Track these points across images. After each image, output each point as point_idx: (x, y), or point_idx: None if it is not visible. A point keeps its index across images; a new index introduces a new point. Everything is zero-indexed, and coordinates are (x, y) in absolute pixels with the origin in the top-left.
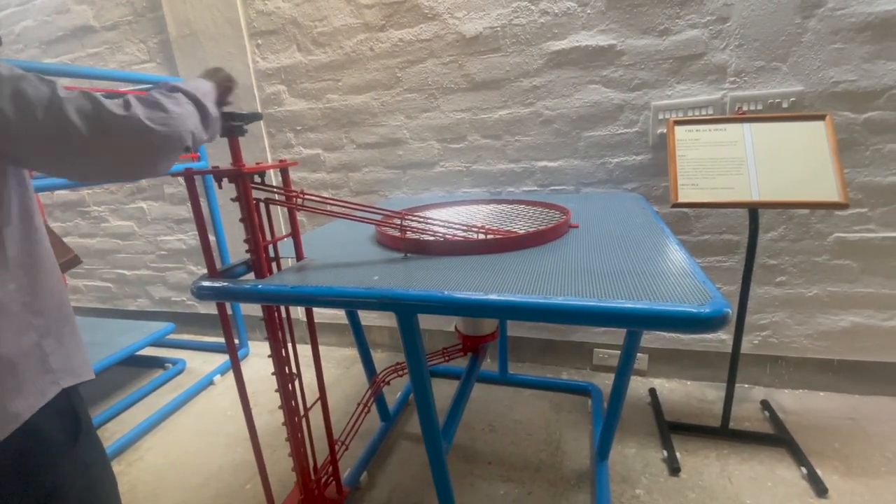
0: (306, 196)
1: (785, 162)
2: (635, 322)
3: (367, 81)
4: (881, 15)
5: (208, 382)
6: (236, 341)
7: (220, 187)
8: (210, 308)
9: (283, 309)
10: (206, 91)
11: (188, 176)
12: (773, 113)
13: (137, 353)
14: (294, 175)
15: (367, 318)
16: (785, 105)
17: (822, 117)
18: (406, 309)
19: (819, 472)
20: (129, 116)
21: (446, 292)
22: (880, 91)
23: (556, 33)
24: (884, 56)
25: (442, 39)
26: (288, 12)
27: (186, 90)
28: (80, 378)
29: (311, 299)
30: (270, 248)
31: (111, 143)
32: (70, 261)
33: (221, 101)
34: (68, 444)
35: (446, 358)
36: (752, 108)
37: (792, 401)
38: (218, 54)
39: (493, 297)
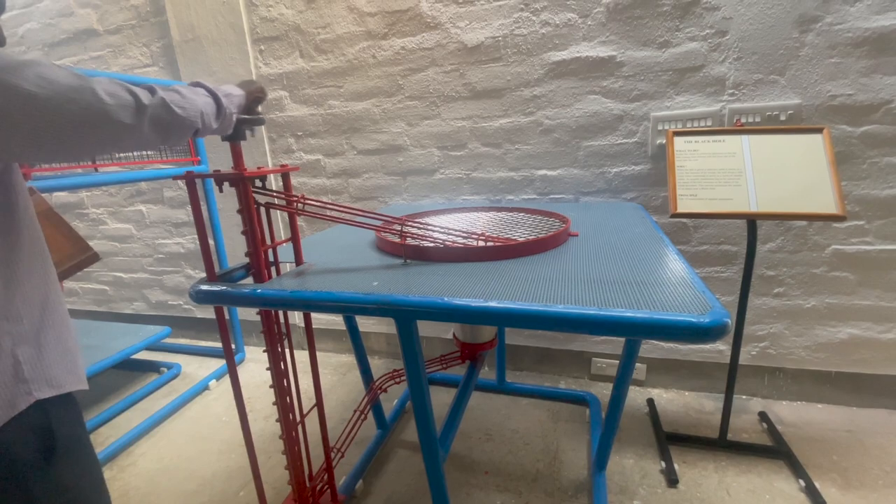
0: (307, 201)
1: (783, 174)
2: (635, 331)
3: (369, 88)
4: (878, 30)
5: (203, 387)
6: (232, 346)
7: (221, 191)
8: (206, 312)
9: (280, 314)
10: (231, 93)
11: (189, 179)
12: (771, 125)
13: (132, 356)
14: (294, 180)
15: (365, 324)
16: (783, 118)
17: (819, 130)
18: (406, 315)
19: (817, 484)
20: (154, 99)
21: (446, 299)
22: (877, 105)
23: (556, 44)
24: (880, 71)
25: (444, 48)
26: (291, 19)
27: (207, 86)
28: (59, 389)
29: (310, 304)
30: (270, 252)
31: (141, 122)
32: (88, 258)
33: (250, 109)
34: (40, 465)
35: (444, 365)
36: (751, 120)
37: (790, 412)
38: (220, 59)
39: (493, 304)
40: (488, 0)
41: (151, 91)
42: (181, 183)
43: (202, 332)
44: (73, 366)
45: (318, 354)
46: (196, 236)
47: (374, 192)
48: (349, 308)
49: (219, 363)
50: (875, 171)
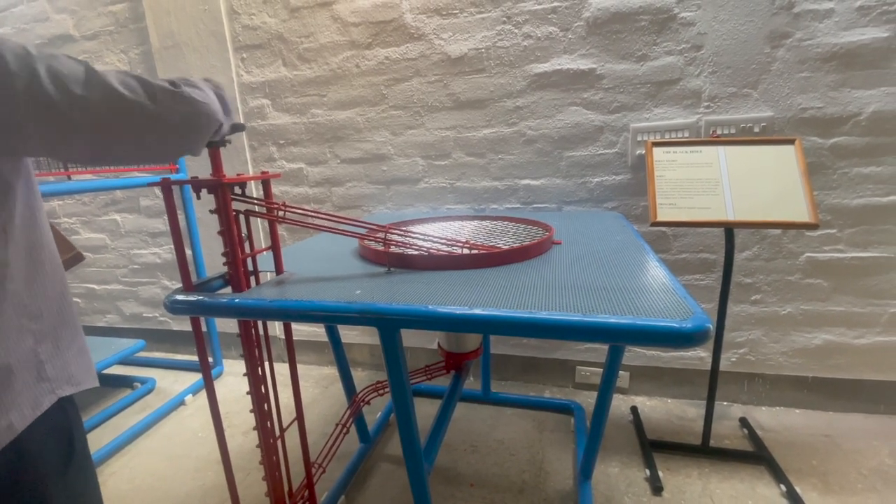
0: (288, 209)
1: (758, 183)
2: (618, 337)
3: (353, 97)
4: (846, 46)
5: (179, 402)
6: (210, 359)
7: (199, 198)
8: (183, 325)
9: (260, 325)
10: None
11: (165, 186)
12: (745, 137)
13: (104, 371)
14: (276, 189)
15: (348, 335)
16: (756, 129)
17: (791, 141)
18: (389, 324)
19: (798, 489)
20: (180, 91)
21: (430, 306)
22: (846, 118)
23: (538, 56)
24: (848, 84)
25: (427, 59)
26: (274, 28)
27: (201, 83)
28: (78, 386)
29: (290, 313)
30: (249, 261)
31: (167, 118)
32: (73, 258)
33: None
34: (60, 468)
35: (429, 376)
36: (726, 131)
37: (769, 418)
38: (201, 67)
39: (477, 311)
40: (471, 13)
41: (174, 84)
42: (158, 191)
43: (178, 345)
44: (87, 363)
45: (300, 367)
46: (173, 246)
47: (357, 200)
48: (331, 317)
49: (195, 377)
50: (845, 181)
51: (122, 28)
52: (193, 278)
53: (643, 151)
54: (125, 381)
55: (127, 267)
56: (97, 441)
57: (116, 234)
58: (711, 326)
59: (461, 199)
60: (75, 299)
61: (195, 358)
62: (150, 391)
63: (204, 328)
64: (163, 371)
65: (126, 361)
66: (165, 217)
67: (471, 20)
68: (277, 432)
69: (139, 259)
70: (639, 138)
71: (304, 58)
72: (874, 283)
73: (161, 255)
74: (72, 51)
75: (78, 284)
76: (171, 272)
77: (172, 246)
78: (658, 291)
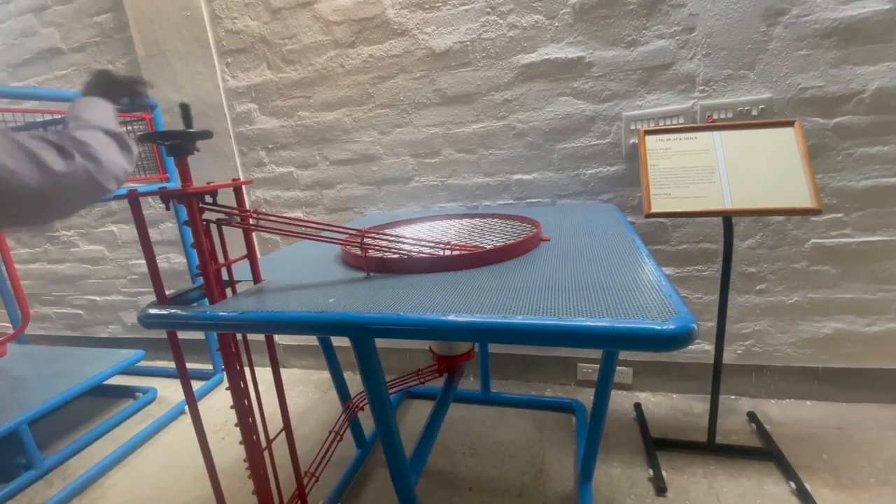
0: (261, 216)
1: (756, 169)
2: (596, 341)
3: (339, 98)
4: (846, 20)
5: (180, 412)
6: (209, 367)
7: (168, 209)
8: (186, 333)
9: (238, 334)
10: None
11: (132, 198)
12: (742, 120)
13: (106, 382)
14: (267, 194)
15: (343, 338)
16: (755, 112)
17: (791, 123)
18: (361, 333)
19: (808, 486)
20: (72, 165)
21: (402, 313)
22: (849, 96)
23: (525, 47)
24: (850, 61)
25: (412, 55)
26: (257, 31)
27: (107, 129)
28: None
29: (260, 325)
30: (226, 271)
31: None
32: None
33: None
34: None
35: (421, 380)
36: (722, 116)
37: (779, 411)
38: (187, 73)
39: (451, 317)
40: (454, 5)
41: (62, 152)
42: (151, 200)
43: None
44: None
45: (299, 372)
46: (171, 255)
47: (349, 202)
48: (301, 328)
49: (196, 385)
50: (850, 163)
51: (108, 38)
52: (189, 286)
53: (637, 140)
54: (127, 392)
55: (126, 277)
56: (98, 453)
57: (114, 245)
58: (696, 327)
59: (453, 196)
60: (78, 311)
61: (197, 366)
62: (151, 401)
63: (199, 336)
64: (165, 380)
65: (128, 372)
66: (160, 226)
67: (454, 13)
68: (264, 443)
69: (138, 269)
70: (632, 127)
71: (288, 60)
72: (884, 268)
73: (158, 265)
74: (61, 64)
75: (79, 296)
76: (171, 281)
77: (169, 255)
78: (643, 289)
